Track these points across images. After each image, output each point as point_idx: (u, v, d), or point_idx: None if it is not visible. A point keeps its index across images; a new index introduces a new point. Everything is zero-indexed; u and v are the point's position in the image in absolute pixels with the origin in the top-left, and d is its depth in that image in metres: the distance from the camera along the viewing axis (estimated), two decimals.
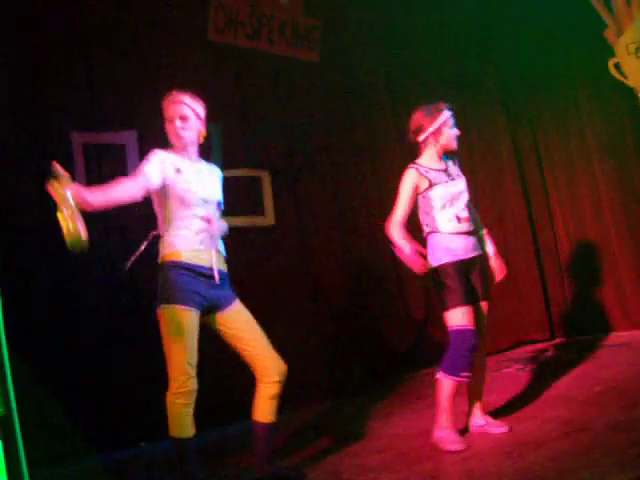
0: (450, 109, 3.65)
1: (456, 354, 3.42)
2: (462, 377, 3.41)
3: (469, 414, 3.66)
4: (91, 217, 2.79)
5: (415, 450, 3.49)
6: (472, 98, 6.38)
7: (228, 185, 5.15)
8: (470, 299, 3.50)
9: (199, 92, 5.04)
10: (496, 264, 3.75)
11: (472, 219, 3.64)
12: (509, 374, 4.97)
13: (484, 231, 3.78)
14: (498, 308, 5.74)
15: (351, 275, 5.63)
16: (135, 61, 5.00)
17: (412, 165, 3.64)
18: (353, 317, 5.55)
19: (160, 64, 5.07)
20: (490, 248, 3.76)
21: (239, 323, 3.24)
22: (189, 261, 3.13)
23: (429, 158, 3.66)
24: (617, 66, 4.30)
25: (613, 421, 3.37)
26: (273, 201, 5.41)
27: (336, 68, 5.84)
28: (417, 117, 3.67)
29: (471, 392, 3.64)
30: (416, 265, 3.45)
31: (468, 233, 3.58)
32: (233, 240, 5.15)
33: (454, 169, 3.70)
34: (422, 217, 3.64)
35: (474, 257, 3.58)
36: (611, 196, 5.95)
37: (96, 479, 3.90)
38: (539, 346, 6.01)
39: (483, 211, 6.05)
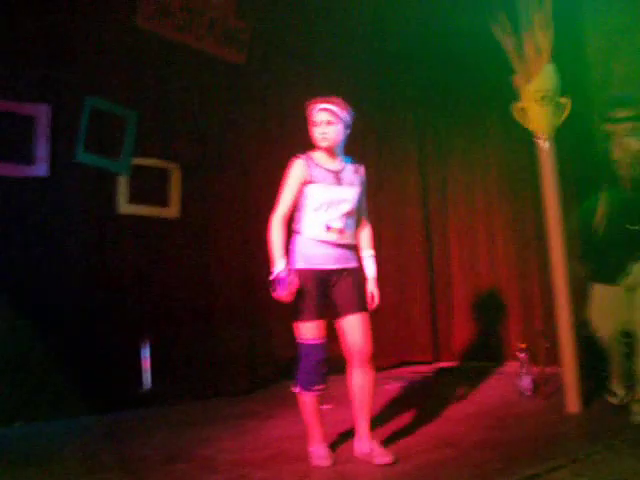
0: (318, 105, 3.33)
1: (306, 368, 3.27)
2: (315, 390, 3.28)
3: (355, 437, 3.42)
4: None
5: (289, 451, 3.56)
6: (386, 124, 6.59)
7: (136, 173, 5.16)
8: (322, 313, 3.29)
9: (119, 75, 5.06)
10: (370, 292, 3.44)
11: (349, 233, 3.36)
12: (388, 391, 5.09)
13: (370, 253, 3.51)
14: (385, 327, 5.91)
15: (247, 277, 5.62)
16: (58, 35, 4.91)
17: (301, 155, 3.36)
18: (245, 318, 5.57)
19: (85, 42, 4.98)
20: (370, 273, 3.46)
21: None
22: None
23: (323, 153, 3.38)
24: (522, 110, 4.52)
25: (479, 439, 3.62)
26: (180, 195, 5.40)
27: (258, 73, 5.87)
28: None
29: (355, 414, 3.39)
30: (283, 292, 3.21)
31: (337, 245, 3.30)
32: (135, 229, 5.17)
33: (350, 176, 3.38)
34: (294, 213, 3.38)
35: (338, 269, 3.31)
36: (505, 238, 6.23)
37: None
38: (421, 368, 6.21)
39: (384, 230, 6.25)
